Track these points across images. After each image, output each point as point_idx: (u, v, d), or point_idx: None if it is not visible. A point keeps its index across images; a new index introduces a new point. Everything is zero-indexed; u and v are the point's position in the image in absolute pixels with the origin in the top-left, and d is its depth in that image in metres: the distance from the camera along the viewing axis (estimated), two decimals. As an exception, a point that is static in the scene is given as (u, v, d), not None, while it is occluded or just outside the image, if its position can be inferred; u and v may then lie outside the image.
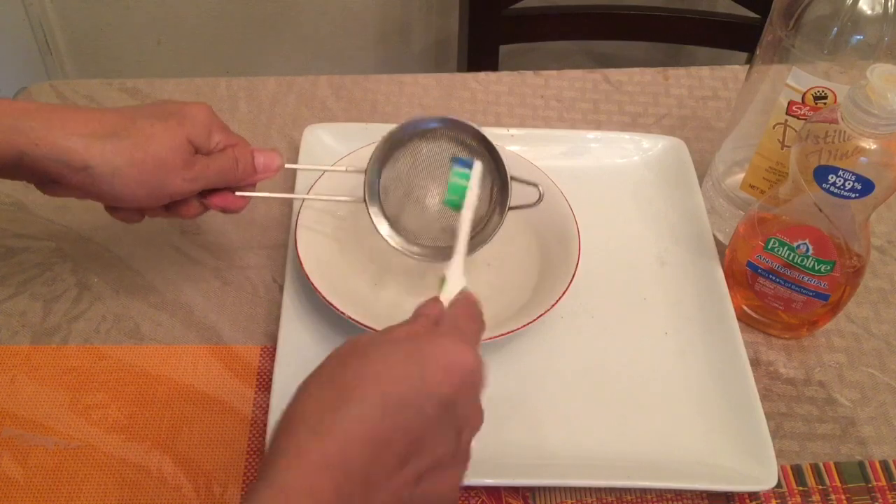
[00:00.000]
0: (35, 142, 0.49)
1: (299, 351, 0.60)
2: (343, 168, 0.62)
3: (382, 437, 0.39)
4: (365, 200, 0.60)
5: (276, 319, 0.62)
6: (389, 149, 0.59)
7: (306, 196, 0.64)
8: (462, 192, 0.56)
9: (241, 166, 0.57)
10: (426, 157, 0.59)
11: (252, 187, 0.59)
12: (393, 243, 0.60)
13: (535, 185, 0.60)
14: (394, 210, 0.60)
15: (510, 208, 0.59)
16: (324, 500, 0.37)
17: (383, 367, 0.40)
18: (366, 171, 0.59)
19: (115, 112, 0.53)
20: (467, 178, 0.57)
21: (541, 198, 0.60)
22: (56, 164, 0.50)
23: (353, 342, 0.43)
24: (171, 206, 0.56)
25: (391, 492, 0.39)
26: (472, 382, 0.42)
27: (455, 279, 0.50)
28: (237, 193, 0.58)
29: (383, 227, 0.60)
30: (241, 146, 0.57)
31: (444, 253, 0.59)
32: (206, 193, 0.57)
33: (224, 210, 0.58)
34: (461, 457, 0.43)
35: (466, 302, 0.47)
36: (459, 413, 0.41)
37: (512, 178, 0.59)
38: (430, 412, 0.40)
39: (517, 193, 0.59)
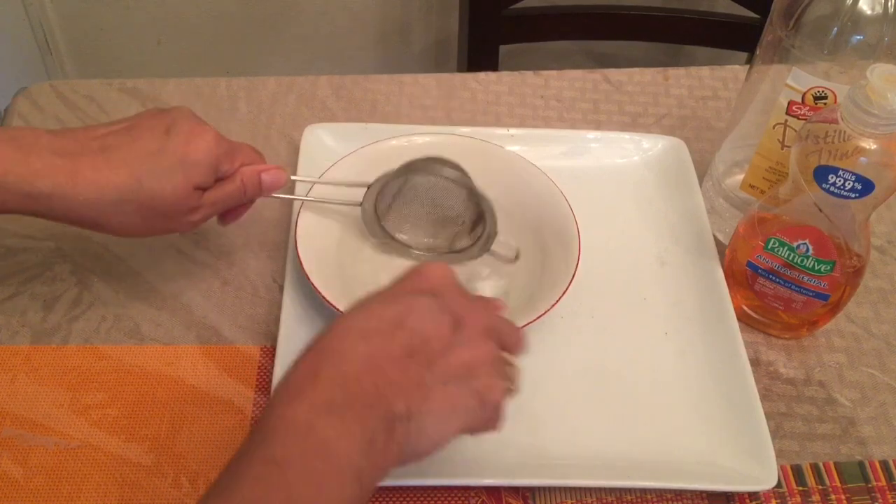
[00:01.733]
0: (49, 207, 0.52)
1: (299, 351, 0.59)
2: (346, 183, 0.64)
3: (372, 329, 0.43)
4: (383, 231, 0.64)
5: (276, 319, 0.62)
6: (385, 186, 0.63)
7: (306, 198, 0.64)
8: None
9: (249, 190, 0.58)
10: (422, 189, 0.64)
11: None
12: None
13: (514, 253, 0.66)
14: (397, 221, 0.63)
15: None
16: (328, 393, 0.41)
17: (366, 298, 0.46)
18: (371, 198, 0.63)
19: (126, 169, 0.53)
20: None
21: (517, 257, 0.65)
22: (68, 221, 0.54)
23: None
24: None
25: (403, 371, 0.42)
26: (448, 280, 0.47)
27: None
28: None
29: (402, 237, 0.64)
30: (247, 168, 0.58)
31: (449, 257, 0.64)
32: None
33: (227, 221, 0.61)
34: (472, 346, 0.45)
35: None
36: (447, 303, 0.45)
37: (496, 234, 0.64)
38: (414, 304, 0.44)
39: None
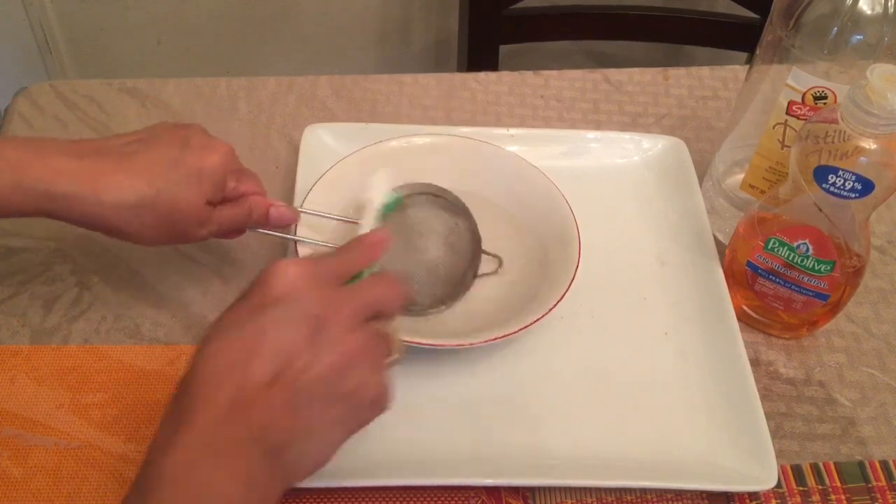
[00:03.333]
0: (68, 209, 0.52)
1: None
2: (349, 219, 0.63)
3: (231, 361, 0.41)
4: None
5: (276, 319, 0.62)
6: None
7: (302, 238, 0.63)
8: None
9: (255, 217, 0.59)
10: (414, 222, 0.64)
11: None
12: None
13: (497, 257, 0.65)
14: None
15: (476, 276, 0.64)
16: (202, 439, 0.40)
17: (217, 320, 0.44)
18: None
19: (145, 176, 0.54)
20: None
21: (500, 265, 0.65)
22: (86, 224, 0.54)
23: None
24: None
25: (271, 402, 0.41)
26: (297, 279, 0.44)
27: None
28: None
29: None
30: (258, 197, 0.59)
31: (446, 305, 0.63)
32: None
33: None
34: (338, 348, 0.43)
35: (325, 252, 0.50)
36: (301, 307, 0.43)
37: (483, 251, 0.65)
38: (265, 320, 0.42)
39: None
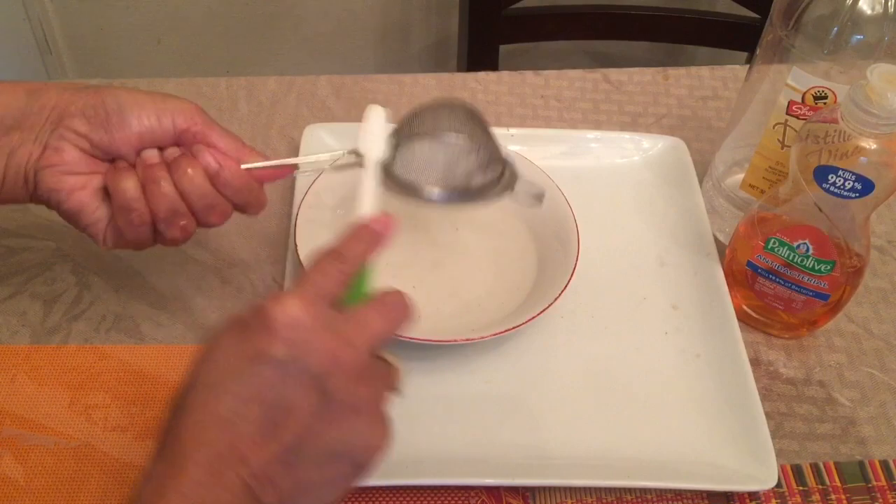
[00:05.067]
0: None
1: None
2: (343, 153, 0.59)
3: (228, 413, 0.39)
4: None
5: (276, 319, 0.62)
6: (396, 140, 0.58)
7: (302, 160, 0.61)
8: None
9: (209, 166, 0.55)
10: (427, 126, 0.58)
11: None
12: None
13: (541, 192, 0.61)
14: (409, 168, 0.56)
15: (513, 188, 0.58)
16: (195, 491, 0.38)
17: (211, 351, 0.41)
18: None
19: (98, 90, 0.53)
20: None
21: (543, 199, 0.61)
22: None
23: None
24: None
25: (268, 458, 0.39)
26: (299, 326, 0.40)
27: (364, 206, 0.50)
28: (243, 166, 0.55)
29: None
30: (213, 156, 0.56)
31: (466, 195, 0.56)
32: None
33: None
34: (343, 405, 0.41)
35: (325, 253, 0.45)
36: (307, 364, 0.40)
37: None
38: (268, 374, 0.39)
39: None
